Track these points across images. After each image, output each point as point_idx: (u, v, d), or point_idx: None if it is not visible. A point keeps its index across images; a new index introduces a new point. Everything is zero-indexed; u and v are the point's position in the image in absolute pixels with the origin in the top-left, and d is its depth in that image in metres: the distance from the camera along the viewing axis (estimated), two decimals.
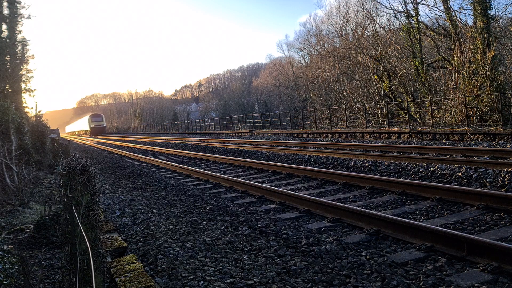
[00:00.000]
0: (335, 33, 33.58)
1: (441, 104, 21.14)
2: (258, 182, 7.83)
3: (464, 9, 20.69)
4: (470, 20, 20.80)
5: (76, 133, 79.64)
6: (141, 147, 21.69)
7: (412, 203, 5.44)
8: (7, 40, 18.67)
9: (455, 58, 19.56)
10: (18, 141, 11.42)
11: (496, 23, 19.50)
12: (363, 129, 20.27)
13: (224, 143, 18.97)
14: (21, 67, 20.20)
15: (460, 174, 6.61)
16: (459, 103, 18.85)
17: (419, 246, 3.69)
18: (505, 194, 4.81)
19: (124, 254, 4.06)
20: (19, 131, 12.28)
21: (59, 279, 3.43)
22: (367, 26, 29.11)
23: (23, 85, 20.51)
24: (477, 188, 5.86)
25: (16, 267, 3.84)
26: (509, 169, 6.32)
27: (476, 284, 2.92)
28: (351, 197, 6.09)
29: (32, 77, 21.04)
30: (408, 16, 22.61)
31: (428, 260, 3.47)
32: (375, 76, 26.11)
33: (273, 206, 5.93)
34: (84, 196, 2.79)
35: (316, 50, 41.82)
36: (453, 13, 20.57)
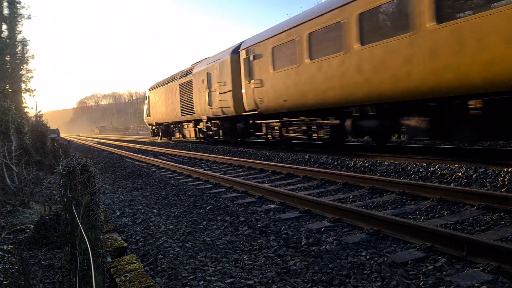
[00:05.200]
0: None
1: None
2: (258, 182, 7.84)
3: None
4: None
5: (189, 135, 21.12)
6: (141, 147, 21.69)
7: (412, 203, 5.44)
8: (7, 40, 18.71)
9: None
10: (18, 141, 11.42)
11: None
12: None
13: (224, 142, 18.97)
14: (21, 67, 20.24)
15: (460, 174, 6.61)
16: None
17: (419, 246, 3.70)
18: (505, 194, 4.82)
19: (124, 254, 4.05)
20: (19, 131, 12.29)
21: (59, 279, 3.43)
22: None
23: (23, 85, 20.55)
24: (477, 188, 5.86)
25: (16, 267, 3.84)
26: (509, 169, 6.32)
27: (476, 284, 2.92)
28: (351, 197, 6.09)
29: (32, 77, 21.11)
30: None
31: (428, 260, 3.47)
32: None
33: (273, 206, 5.93)
34: (84, 196, 2.79)
35: None
36: None
